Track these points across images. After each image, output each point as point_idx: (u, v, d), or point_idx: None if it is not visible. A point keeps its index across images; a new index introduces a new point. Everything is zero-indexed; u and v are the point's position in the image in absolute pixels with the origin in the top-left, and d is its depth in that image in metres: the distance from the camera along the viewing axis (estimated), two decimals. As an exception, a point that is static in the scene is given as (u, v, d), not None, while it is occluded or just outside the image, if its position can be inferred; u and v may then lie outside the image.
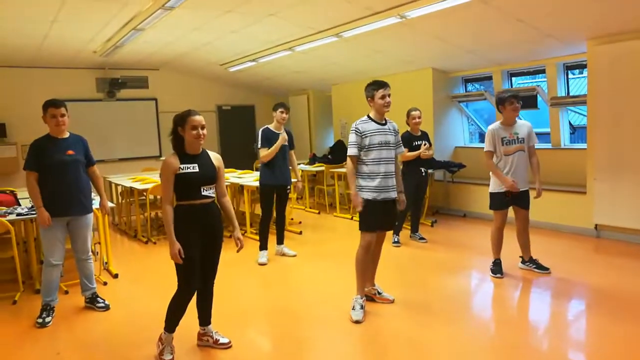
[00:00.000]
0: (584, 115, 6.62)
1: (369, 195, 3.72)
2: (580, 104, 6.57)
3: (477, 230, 6.58)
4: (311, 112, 10.55)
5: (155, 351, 3.21)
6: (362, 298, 3.77)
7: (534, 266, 4.65)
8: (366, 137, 3.72)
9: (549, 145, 6.92)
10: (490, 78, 7.44)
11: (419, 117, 5.77)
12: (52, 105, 3.86)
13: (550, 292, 4.21)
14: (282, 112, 5.33)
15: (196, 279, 3.13)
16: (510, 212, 4.58)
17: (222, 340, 3.35)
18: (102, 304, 4.14)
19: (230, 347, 3.34)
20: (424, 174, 5.85)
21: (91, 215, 4.10)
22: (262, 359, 3.30)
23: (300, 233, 6.64)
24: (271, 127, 5.35)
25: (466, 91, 8.03)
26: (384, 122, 3.83)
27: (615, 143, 5.51)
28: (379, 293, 4.03)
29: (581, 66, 6.51)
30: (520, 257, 4.76)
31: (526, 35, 5.74)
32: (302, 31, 6.50)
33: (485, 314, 3.99)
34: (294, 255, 5.51)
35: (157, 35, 6.92)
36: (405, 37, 6.30)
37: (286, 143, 5.29)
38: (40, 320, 3.82)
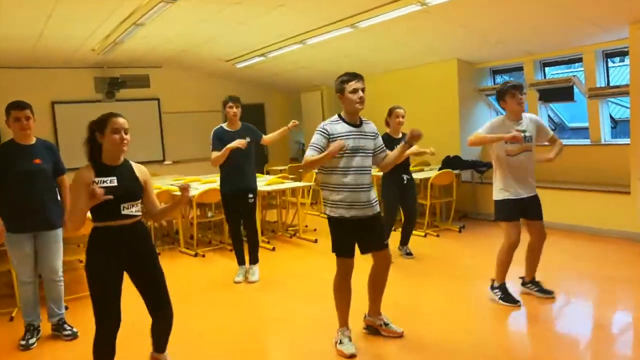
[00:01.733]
0: (627, 108, 6.49)
1: (335, 212, 3.34)
2: (622, 95, 6.45)
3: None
4: (325, 110, 10.52)
5: None
6: (347, 329, 3.45)
7: (536, 289, 4.23)
8: (334, 140, 3.28)
9: (587, 141, 6.81)
10: (521, 69, 7.35)
11: (403, 117, 5.40)
12: (15, 107, 3.68)
13: (591, 304, 4.12)
14: (231, 107, 4.93)
15: (113, 314, 2.82)
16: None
17: None
18: (70, 332, 3.92)
19: None
20: (405, 181, 5.53)
21: (60, 230, 3.89)
22: None
23: (316, 241, 6.61)
24: (225, 125, 5.03)
25: (495, 84, 7.94)
26: (358, 122, 3.42)
27: (663, 137, 5.39)
28: (386, 324, 3.64)
29: (622, 53, 6.40)
30: (520, 277, 4.34)
31: (560, 20, 5.65)
32: (314, 22, 6.49)
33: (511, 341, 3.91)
34: (256, 281, 5.06)
35: (158, 30, 6.97)
36: (426, 25, 6.25)
37: (243, 147, 4.84)
38: (23, 343, 3.75)
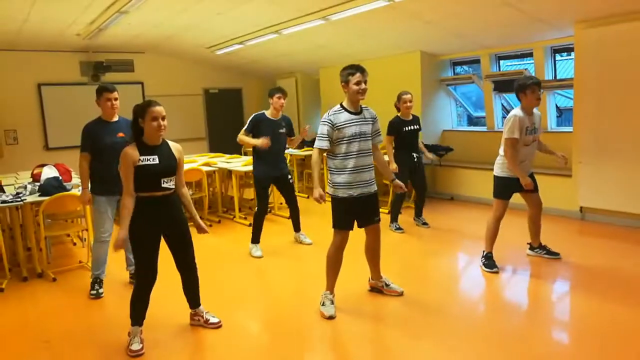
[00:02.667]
0: (571, 99, 6.65)
1: (342, 193, 3.49)
2: (567, 88, 6.60)
3: (465, 214, 6.65)
4: (299, 96, 10.48)
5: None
6: (331, 294, 3.63)
7: (544, 252, 4.54)
8: (338, 129, 3.41)
9: (535, 129, 6.94)
10: (478, 61, 7.43)
11: (411, 102, 5.59)
12: (107, 90, 4.03)
13: (545, 276, 4.27)
14: (279, 98, 4.99)
15: (150, 270, 3.10)
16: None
17: (212, 320, 3.43)
18: None
19: (221, 326, 3.41)
20: (415, 159, 5.73)
21: None
22: (251, 339, 3.32)
23: (290, 218, 6.62)
24: (267, 113, 5.04)
25: (454, 74, 8.02)
26: (359, 110, 3.54)
27: (601, 126, 5.55)
28: (387, 285, 3.89)
29: (568, 49, 6.52)
30: (528, 243, 4.64)
31: (514, 19, 5.72)
32: (289, 14, 6.42)
33: (479, 304, 4.04)
34: (310, 244, 5.36)
35: (142, 18, 6.79)
36: (393, 20, 6.25)
37: (265, 147, 4.85)
38: (94, 292, 4.09)
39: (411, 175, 5.75)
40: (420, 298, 3.85)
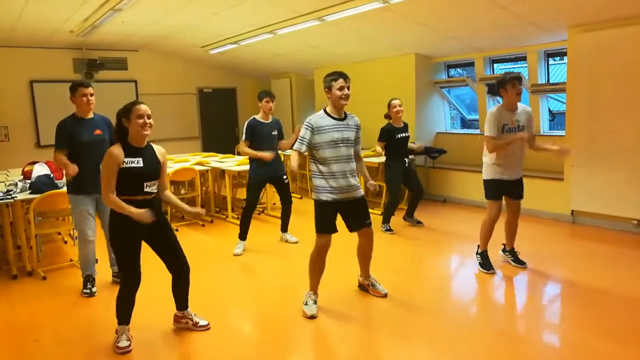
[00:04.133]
0: (563, 103, 6.70)
1: (325, 197, 3.48)
2: (559, 92, 6.64)
3: (458, 216, 6.67)
4: (293, 96, 10.47)
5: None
6: (314, 294, 3.65)
7: (512, 258, 4.52)
8: (319, 133, 3.44)
9: (528, 132, 6.98)
10: (472, 64, 7.46)
11: (400, 106, 5.62)
12: (81, 85, 3.97)
13: (536, 278, 4.29)
14: (267, 102, 5.10)
15: (134, 273, 3.07)
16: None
17: (201, 323, 3.40)
18: None
19: (209, 329, 3.38)
20: (407, 164, 5.80)
21: None
22: (241, 340, 3.31)
23: (280, 217, 6.62)
24: (258, 117, 5.15)
25: (448, 77, 8.05)
26: (343, 116, 3.54)
27: (593, 130, 5.59)
28: (373, 285, 3.93)
29: (562, 53, 6.57)
30: (502, 244, 4.63)
31: (508, 22, 5.75)
32: (284, 14, 6.41)
33: (469, 305, 4.06)
34: (296, 242, 5.44)
35: (136, 16, 6.76)
36: (388, 22, 6.26)
37: (268, 160, 5.00)
38: (87, 291, 4.07)
39: (405, 180, 5.82)
40: (409, 299, 3.86)
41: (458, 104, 8.27)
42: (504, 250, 4.64)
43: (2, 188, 4.90)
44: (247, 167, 6.77)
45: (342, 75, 3.48)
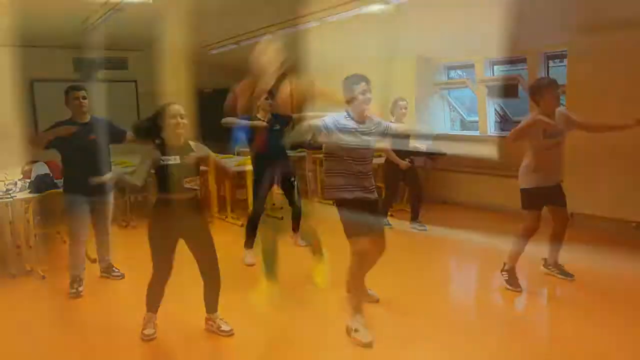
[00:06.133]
0: (563, 105, 6.69)
1: (347, 194, 3.23)
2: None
3: (457, 218, 6.67)
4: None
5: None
6: (362, 316, 3.23)
7: (557, 271, 4.21)
8: (340, 131, 3.20)
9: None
10: (472, 66, 7.46)
11: (406, 108, 5.69)
12: (73, 89, 4.02)
13: (532, 281, 4.29)
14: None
15: (167, 267, 3.16)
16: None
17: (223, 327, 3.34)
18: (118, 272, 4.47)
19: (232, 334, 3.31)
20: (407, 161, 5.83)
21: (111, 196, 4.30)
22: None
23: (282, 218, 6.62)
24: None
25: (448, 78, 8.04)
26: (363, 120, 3.33)
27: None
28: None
29: (562, 56, 6.57)
30: (543, 259, 4.30)
31: (508, 24, 5.74)
32: (284, 15, 6.42)
33: (468, 308, 4.05)
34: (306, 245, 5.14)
35: (137, 15, 6.76)
36: (388, 23, 6.26)
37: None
38: (74, 291, 4.05)
39: (405, 179, 5.84)
40: (408, 302, 3.85)
41: (458, 106, 8.27)
42: (546, 265, 4.29)
43: (1, 187, 4.90)
44: (248, 167, 6.80)
45: (364, 79, 3.40)
